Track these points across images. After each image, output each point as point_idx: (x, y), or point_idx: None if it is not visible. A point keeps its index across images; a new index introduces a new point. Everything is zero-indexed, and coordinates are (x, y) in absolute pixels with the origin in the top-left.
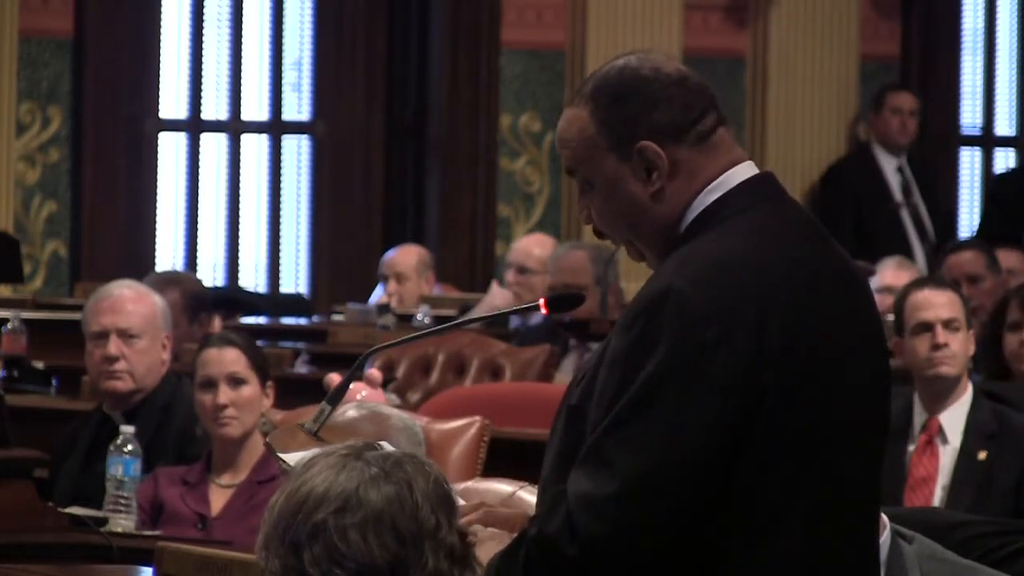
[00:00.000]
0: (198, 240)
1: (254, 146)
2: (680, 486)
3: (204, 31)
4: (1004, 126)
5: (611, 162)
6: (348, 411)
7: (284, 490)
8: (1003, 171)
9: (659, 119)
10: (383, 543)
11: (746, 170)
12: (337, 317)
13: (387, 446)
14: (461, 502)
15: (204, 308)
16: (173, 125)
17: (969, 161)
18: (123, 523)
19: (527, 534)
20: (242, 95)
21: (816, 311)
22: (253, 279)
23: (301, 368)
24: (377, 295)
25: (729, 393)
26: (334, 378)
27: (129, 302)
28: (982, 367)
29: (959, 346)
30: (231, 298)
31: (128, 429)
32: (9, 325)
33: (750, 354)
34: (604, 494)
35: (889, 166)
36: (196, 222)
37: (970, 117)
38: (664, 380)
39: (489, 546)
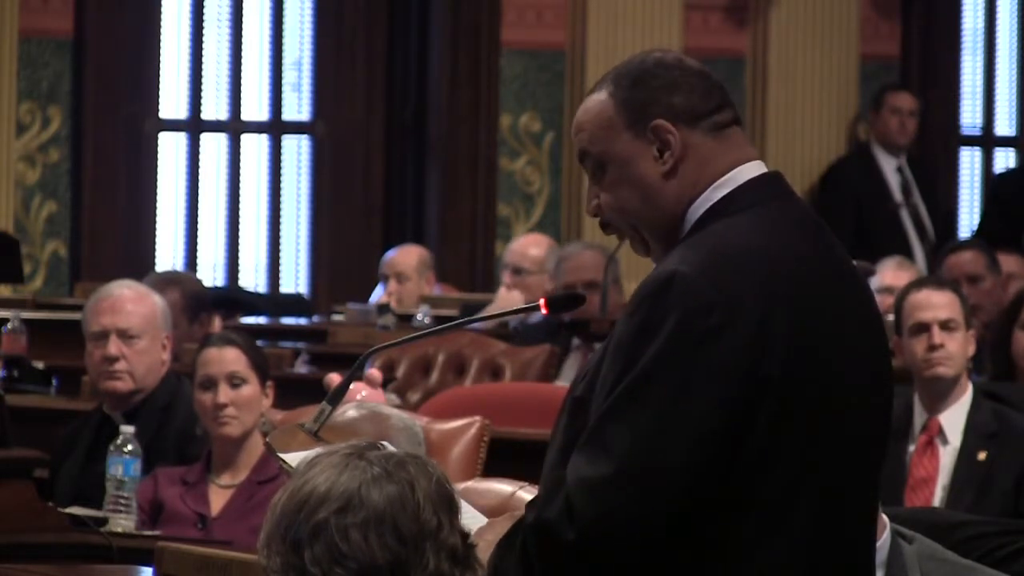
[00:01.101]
0: (198, 240)
1: (254, 146)
2: (677, 471)
3: (204, 31)
4: (1004, 126)
5: (626, 139)
6: (348, 411)
7: (287, 489)
8: (1003, 171)
9: (677, 102)
10: (384, 543)
11: (754, 168)
12: (337, 317)
13: (388, 446)
14: (463, 503)
15: (204, 308)
16: (173, 125)
17: (969, 161)
18: (123, 523)
19: (524, 520)
20: (242, 95)
21: (819, 309)
22: (253, 279)
23: (301, 368)
24: (377, 295)
25: (730, 381)
26: (334, 378)
27: (129, 302)
28: (988, 365)
29: (956, 347)
30: (231, 298)
31: (128, 429)
32: (9, 325)
33: (753, 344)
34: (601, 476)
35: (889, 166)
36: (196, 222)
37: (970, 117)
38: (664, 364)
39: (488, 539)
